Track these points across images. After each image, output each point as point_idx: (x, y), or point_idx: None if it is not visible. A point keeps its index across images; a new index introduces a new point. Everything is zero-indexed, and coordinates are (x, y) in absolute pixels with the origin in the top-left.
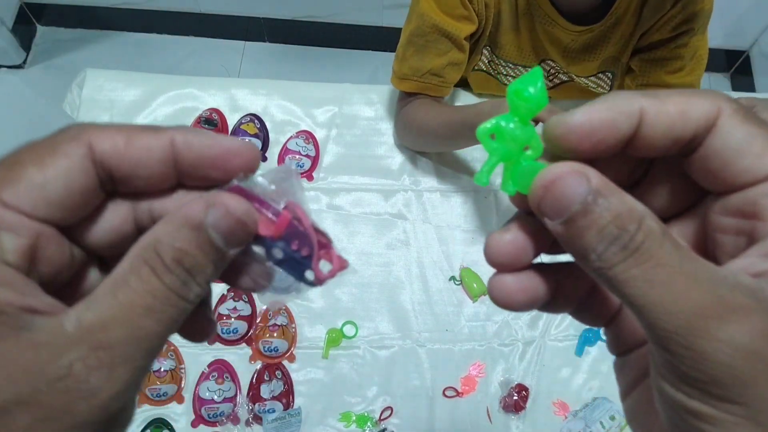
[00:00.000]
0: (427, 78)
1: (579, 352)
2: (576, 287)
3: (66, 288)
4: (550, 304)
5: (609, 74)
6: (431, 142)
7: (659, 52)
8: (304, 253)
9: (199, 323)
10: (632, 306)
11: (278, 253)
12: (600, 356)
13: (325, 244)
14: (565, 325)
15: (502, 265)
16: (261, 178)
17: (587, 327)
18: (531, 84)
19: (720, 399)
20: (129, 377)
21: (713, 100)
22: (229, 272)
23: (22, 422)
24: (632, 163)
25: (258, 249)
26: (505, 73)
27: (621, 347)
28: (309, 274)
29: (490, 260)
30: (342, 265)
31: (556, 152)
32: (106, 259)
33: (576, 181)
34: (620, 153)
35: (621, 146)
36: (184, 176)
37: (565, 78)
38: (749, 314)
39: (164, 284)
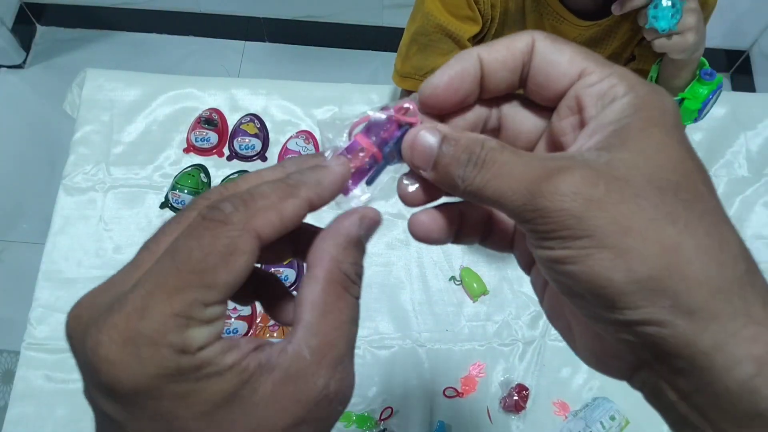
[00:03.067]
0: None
1: None
2: (476, 218)
3: None
4: (459, 236)
5: None
6: None
7: None
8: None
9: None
10: (494, 204)
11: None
12: None
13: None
14: None
15: (414, 205)
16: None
17: None
18: None
19: (571, 238)
20: (354, 376)
21: (529, 33)
22: None
23: None
24: (486, 113)
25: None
26: None
27: (525, 263)
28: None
29: (407, 203)
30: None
31: (429, 112)
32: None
33: (429, 134)
34: (476, 101)
35: (476, 90)
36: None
37: None
38: (569, 170)
39: (353, 296)
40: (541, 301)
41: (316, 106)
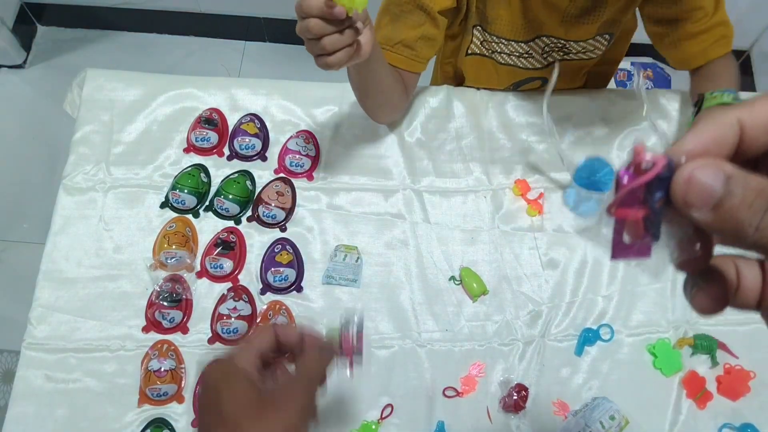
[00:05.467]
0: (399, 49)
1: (579, 351)
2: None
3: None
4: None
5: (606, 36)
6: (361, 91)
7: (674, 9)
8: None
9: None
10: None
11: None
12: (600, 356)
13: None
14: (565, 325)
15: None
16: None
17: (587, 327)
18: None
19: None
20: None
21: None
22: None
23: None
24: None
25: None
26: (499, 50)
27: None
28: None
29: (681, 265)
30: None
31: None
32: None
33: (712, 170)
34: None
35: (731, 155)
36: None
37: (557, 56)
38: None
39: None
40: None
41: (316, 105)
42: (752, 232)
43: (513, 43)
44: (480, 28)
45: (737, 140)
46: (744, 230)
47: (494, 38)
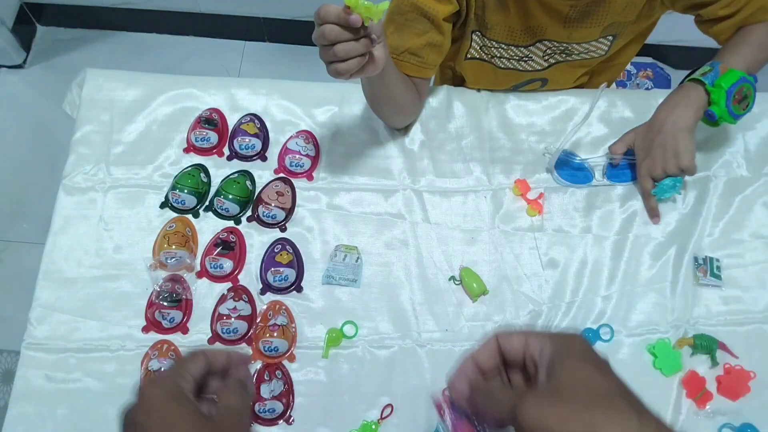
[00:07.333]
0: (406, 57)
1: None
2: None
3: None
4: None
5: (610, 37)
6: (375, 101)
7: None
8: None
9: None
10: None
11: None
12: None
13: None
14: (564, 326)
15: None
16: None
17: (587, 327)
18: None
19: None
20: None
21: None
22: None
23: None
24: None
25: None
26: (498, 55)
27: None
28: None
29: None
30: None
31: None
32: None
33: (460, 379)
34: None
35: (500, 360)
36: None
37: (560, 58)
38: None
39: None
40: None
41: (316, 105)
42: (489, 404)
43: (512, 47)
44: (479, 34)
45: (498, 357)
46: (485, 404)
47: (493, 43)
